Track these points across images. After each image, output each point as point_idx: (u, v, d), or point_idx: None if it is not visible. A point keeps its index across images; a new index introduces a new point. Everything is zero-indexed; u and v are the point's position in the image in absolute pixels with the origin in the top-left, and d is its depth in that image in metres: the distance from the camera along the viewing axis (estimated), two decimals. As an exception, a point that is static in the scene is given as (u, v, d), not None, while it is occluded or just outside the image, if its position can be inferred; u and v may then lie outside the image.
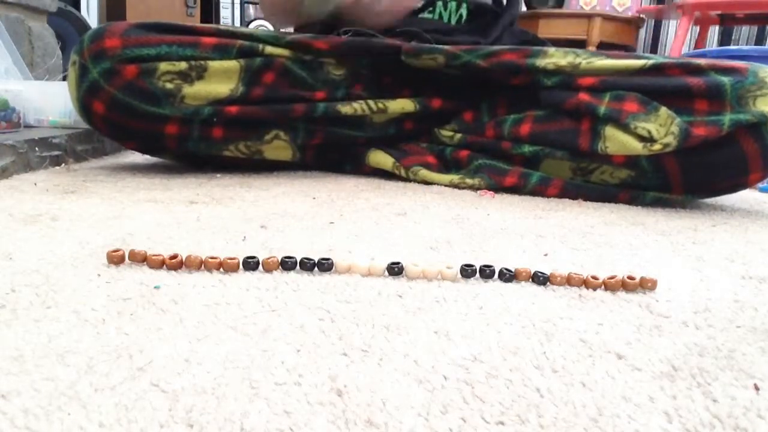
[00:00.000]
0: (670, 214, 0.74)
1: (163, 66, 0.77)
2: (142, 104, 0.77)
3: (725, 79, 0.72)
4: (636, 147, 0.74)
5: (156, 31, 0.79)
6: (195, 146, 0.83)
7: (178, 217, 0.60)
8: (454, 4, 0.98)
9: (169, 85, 0.77)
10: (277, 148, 0.87)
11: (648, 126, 0.73)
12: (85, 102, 0.78)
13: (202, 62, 0.79)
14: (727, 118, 0.70)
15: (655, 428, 0.26)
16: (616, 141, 0.75)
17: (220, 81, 0.80)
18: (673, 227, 0.66)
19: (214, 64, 0.79)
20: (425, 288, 0.42)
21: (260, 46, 0.82)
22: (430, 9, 0.99)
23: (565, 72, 0.81)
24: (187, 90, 0.78)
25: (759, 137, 0.70)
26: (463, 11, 0.99)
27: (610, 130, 0.76)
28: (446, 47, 0.85)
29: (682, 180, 0.75)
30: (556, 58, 0.81)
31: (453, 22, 0.99)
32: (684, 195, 0.77)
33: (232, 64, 0.80)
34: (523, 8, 2.60)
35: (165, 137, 0.81)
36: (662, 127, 0.73)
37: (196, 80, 0.79)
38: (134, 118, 0.78)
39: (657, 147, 0.72)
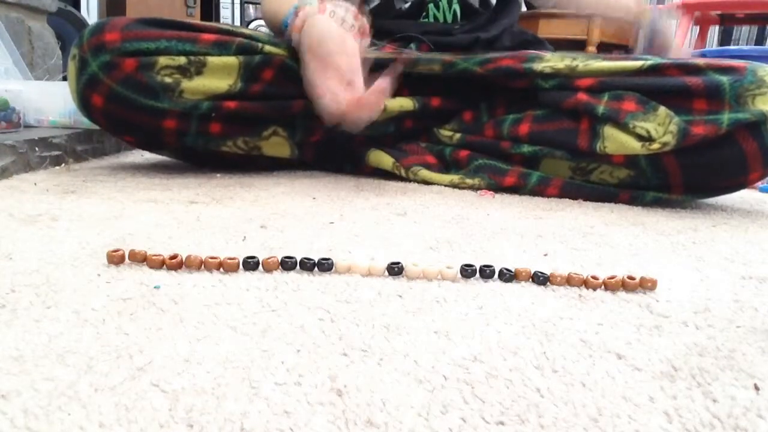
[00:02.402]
0: (670, 214, 0.74)
1: (162, 60, 0.77)
2: (140, 98, 0.77)
3: (724, 79, 0.72)
4: (635, 146, 0.74)
5: (156, 26, 0.79)
6: (193, 141, 0.83)
7: (178, 217, 0.60)
8: (445, 1, 0.98)
9: (167, 80, 0.78)
10: (276, 144, 0.87)
11: (646, 125, 0.73)
12: (84, 95, 0.79)
13: (201, 57, 0.79)
14: (726, 117, 0.70)
15: (655, 428, 0.26)
16: (615, 140, 0.75)
17: (218, 76, 0.80)
18: (673, 227, 0.66)
19: (213, 60, 0.80)
20: (425, 288, 0.42)
21: (259, 44, 0.83)
22: (424, 15, 0.99)
23: (562, 75, 0.81)
24: (186, 84, 0.78)
25: (758, 136, 0.70)
26: (456, 7, 0.99)
27: (608, 130, 0.76)
28: (442, 56, 0.85)
29: (681, 180, 0.75)
30: (553, 62, 0.82)
31: (449, 20, 0.99)
32: (684, 195, 0.77)
33: (231, 60, 0.80)
34: (523, 8, 2.60)
35: (163, 131, 0.81)
36: (661, 126, 0.73)
37: (194, 75, 0.79)
38: (133, 111, 0.78)
39: (656, 146, 0.72)
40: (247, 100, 0.82)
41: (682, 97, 0.74)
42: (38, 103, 1.00)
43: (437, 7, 0.98)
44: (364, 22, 0.80)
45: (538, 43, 1.03)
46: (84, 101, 0.79)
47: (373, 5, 0.98)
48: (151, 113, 0.79)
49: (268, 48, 0.83)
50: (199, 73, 0.79)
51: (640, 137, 0.74)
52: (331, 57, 0.72)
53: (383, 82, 0.70)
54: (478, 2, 1.02)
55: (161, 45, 0.78)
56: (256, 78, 0.82)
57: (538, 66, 0.82)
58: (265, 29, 0.94)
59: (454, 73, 0.85)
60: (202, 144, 0.84)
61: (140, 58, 0.77)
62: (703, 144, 0.71)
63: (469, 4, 1.00)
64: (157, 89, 0.77)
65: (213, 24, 0.84)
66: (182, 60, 0.78)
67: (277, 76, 0.83)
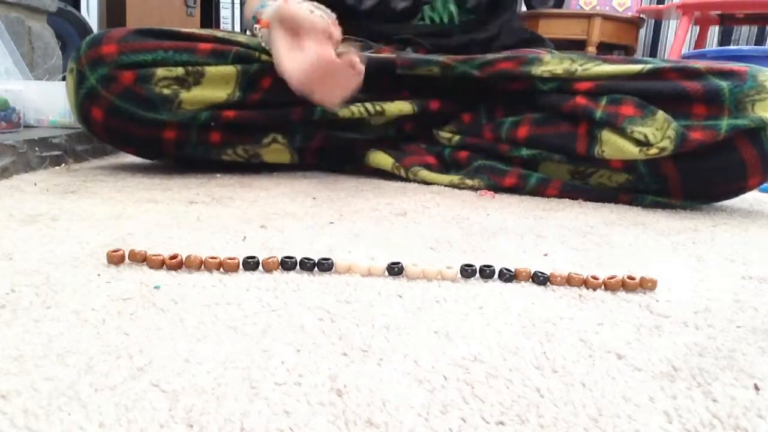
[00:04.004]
0: (670, 214, 0.74)
1: (160, 72, 0.77)
2: (139, 110, 0.77)
3: (723, 84, 0.71)
4: (632, 151, 0.73)
5: (153, 36, 0.79)
6: (193, 151, 0.83)
7: (178, 217, 0.60)
8: (439, 2, 0.97)
9: (166, 91, 0.78)
10: (275, 151, 0.87)
11: (644, 130, 0.73)
12: (83, 109, 0.79)
13: (199, 68, 0.79)
14: (725, 122, 0.70)
15: (655, 428, 0.26)
16: (613, 145, 0.75)
17: (217, 86, 0.80)
18: (673, 227, 0.66)
19: (211, 70, 0.79)
20: (425, 288, 0.42)
21: (256, 53, 0.82)
22: (419, 15, 0.98)
23: (561, 78, 0.80)
24: (185, 95, 0.78)
25: (758, 142, 0.70)
26: (452, 8, 0.98)
27: (606, 135, 0.76)
28: (441, 58, 0.85)
29: (680, 185, 0.75)
30: (552, 65, 0.81)
31: (445, 21, 0.99)
32: (683, 200, 0.77)
33: (229, 70, 0.80)
34: (523, 8, 2.60)
35: (163, 142, 0.81)
36: (659, 131, 0.72)
37: (193, 85, 0.79)
38: (132, 124, 0.78)
39: (653, 151, 0.72)
40: (246, 109, 0.82)
41: (681, 102, 0.73)
42: (38, 103, 1.00)
43: (432, 8, 0.98)
44: (333, 16, 0.79)
45: (538, 40, 1.03)
46: (83, 115, 0.79)
47: (368, 4, 0.97)
48: (150, 125, 0.79)
49: (265, 57, 0.83)
50: (197, 83, 0.79)
51: (638, 142, 0.73)
52: (302, 28, 0.69)
53: (355, 56, 0.67)
54: (475, 1, 1.00)
55: (158, 56, 0.78)
56: (255, 86, 0.82)
57: (536, 70, 0.81)
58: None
59: (452, 77, 0.85)
60: (202, 153, 0.84)
61: (138, 70, 0.77)
62: (702, 150, 0.71)
63: (467, 2, 0.99)
64: (155, 101, 0.77)
65: (210, 32, 0.84)
66: (180, 71, 0.78)
67: (275, 84, 0.83)
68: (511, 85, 0.84)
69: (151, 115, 0.78)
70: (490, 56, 0.84)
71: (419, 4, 0.97)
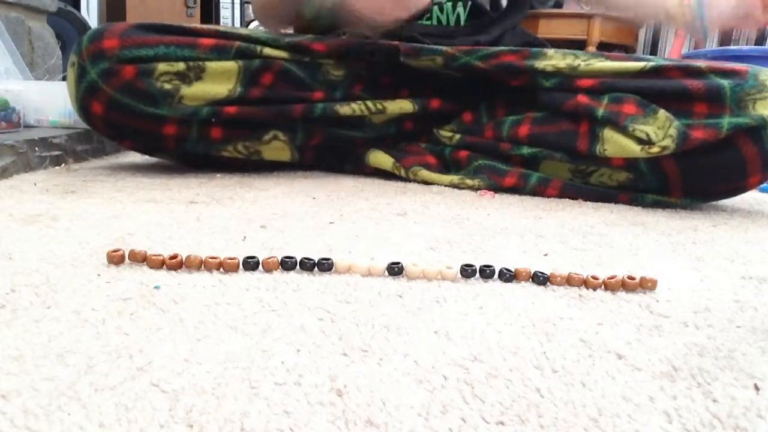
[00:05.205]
0: (670, 215, 0.74)
1: (162, 66, 0.77)
2: (140, 105, 0.77)
3: (725, 82, 0.72)
4: (634, 150, 0.74)
5: (154, 31, 0.79)
6: (193, 147, 0.83)
7: (178, 217, 0.60)
8: (449, 5, 0.98)
9: (167, 86, 0.78)
10: (276, 148, 0.87)
11: (646, 129, 0.73)
12: (83, 102, 0.79)
13: (200, 63, 0.79)
14: (726, 121, 0.70)
15: (655, 428, 0.26)
16: (615, 143, 0.75)
17: (218, 82, 0.80)
18: (673, 227, 0.66)
19: (212, 65, 0.79)
20: (425, 288, 0.42)
21: (258, 47, 0.82)
22: (428, 15, 0.99)
23: (563, 74, 0.81)
24: (186, 90, 0.78)
25: (758, 140, 0.70)
26: (460, 10, 0.98)
27: (608, 133, 0.76)
28: (445, 48, 0.85)
29: (681, 183, 0.75)
30: (555, 60, 0.81)
31: (452, 23, 0.99)
32: (683, 198, 0.77)
33: (231, 65, 0.80)
34: (524, 9, 2.60)
35: (163, 137, 0.81)
36: (660, 130, 0.73)
37: (194, 81, 0.79)
38: (133, 118, 0.78)
39: (655, 150, 0.72)
40: (247, 105, 0.82)
41: (683, 100, 0.74)
42: (38, 103, 1.00)
43: (441, 10, 0.98)
44: None
45: (539, 45, 1.03)
46: (84, 109, 0.79)
47: None
48: (151, 120, 0.79)
49: (267, 51, 0.83)
50: (198, 78, 0.79)
51: (639, 140, 0.74)
52: None
53: None
54: (488, 4, 1.01)
55: (160, 51, 0.78)
56: (256, 82, 0.82)
57: (540, 64, 0.81)
58: (263, 31, 0.94)
59: (455, 68, 0.85)
60: (203, 149, 0.84)
61: (139, 64, 0.77)
62: (703, 148, 0.71)
63: (479, 6, 0.99)
64: (156, 96, 0.77)
65: (211, 27, 0.84)
66: (181, 66, 0.78)
67: (276, 81, 0.83)
68: (513, 81, 0.85)
69: (152, 110, 0.78)
70: (494, 48, 0.84)
71: (430, 5, 0.97)
